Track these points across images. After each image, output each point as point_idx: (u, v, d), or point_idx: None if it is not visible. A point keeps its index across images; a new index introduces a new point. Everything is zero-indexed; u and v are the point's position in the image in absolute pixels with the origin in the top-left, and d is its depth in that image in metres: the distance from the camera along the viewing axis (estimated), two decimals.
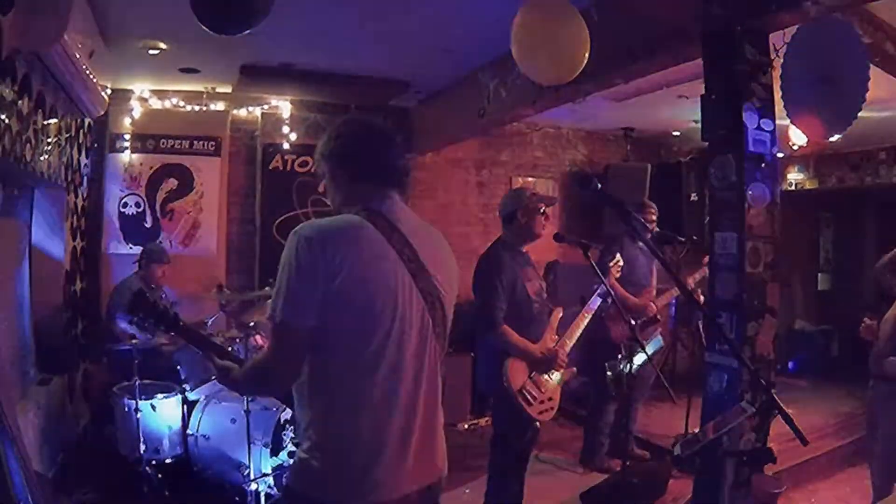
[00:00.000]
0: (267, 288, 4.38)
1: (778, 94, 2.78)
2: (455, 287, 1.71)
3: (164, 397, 3.73)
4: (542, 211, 3.23)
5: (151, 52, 4.38)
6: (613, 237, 4.64)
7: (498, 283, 3.08)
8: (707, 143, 2.93)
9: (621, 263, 3.66)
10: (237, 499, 3.53)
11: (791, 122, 2.74)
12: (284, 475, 3.66)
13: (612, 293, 3.23)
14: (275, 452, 3.57)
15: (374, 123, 1.74)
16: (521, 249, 3.27)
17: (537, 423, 3.21)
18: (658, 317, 4.40)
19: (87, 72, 3.74)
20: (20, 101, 3.13)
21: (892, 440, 3.20)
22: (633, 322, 3.99)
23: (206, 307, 4.60)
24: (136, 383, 3.53)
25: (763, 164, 2.79)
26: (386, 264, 1.50)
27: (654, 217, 4.49)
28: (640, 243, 4.47)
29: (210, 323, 4.52)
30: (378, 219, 1.54)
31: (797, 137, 5.05)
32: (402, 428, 1.51)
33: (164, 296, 4.63)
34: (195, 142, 5.54)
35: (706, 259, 3.63)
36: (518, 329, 3.11)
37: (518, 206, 3.21)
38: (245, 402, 3.48)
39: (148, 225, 5.43)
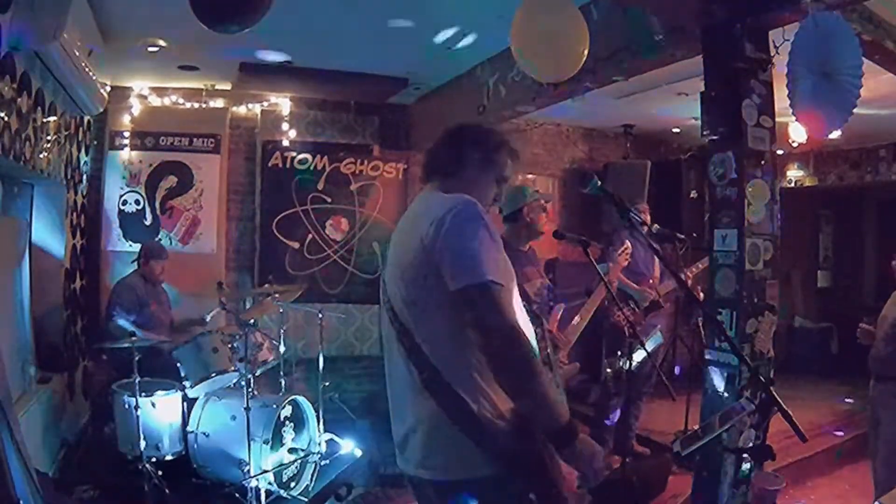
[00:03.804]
0: (266, 286, 4.38)
1: (780, 93, 2.77)
2: (406, 260, 1.65)
3: (164, 395, 3.73)
4: (544, 208, 3.21)
5: (150, 49, 4.38)
6: (612, 232, 4.65)
7: None
8: (707, 140, 2.92)
9: (630, 250, 3.62)
10: (237, 496, 3.54)
11: (796, 120, 2.73)
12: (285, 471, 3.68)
13: (609, 290, 3.20)
14: (275, 449, 3.58)
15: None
16: (521, 248, 3.19)
17: None
18: (661, 302, 4.40)
19: (87, 69, 3.73)
20: (19, 99, 3.12)
21: (894, 439, 3.21)
22: (635, 310, 3.96)
23: (206, 304, 4.60)
24: (136, 381, 3.52)
25: (763, 161, 2.79)
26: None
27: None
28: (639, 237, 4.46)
29: (209, 318, 4.52)
30: None
31: (797, 134, 5.04)
32: (392, 414, 1.75)
33: (163, 293, 4.64)
34: (195, 139, 5.53)
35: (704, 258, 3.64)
36: None
37: (522, 204, 3.15)
38: (245, 399, 3.48)
39: (148, 222, 5.43)
